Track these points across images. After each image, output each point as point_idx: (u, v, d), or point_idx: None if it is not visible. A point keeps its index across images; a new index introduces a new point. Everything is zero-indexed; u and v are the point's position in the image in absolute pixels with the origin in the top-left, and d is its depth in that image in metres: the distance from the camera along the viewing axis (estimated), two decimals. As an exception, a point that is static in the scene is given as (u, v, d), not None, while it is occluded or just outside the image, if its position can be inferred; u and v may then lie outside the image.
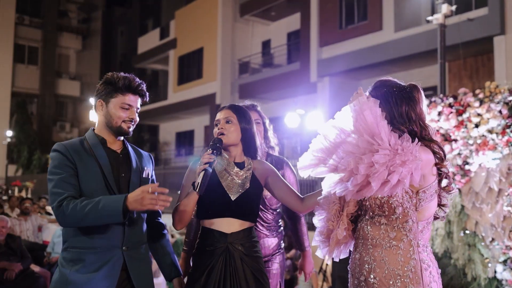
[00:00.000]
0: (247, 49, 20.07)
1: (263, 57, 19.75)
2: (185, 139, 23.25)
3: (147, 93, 2.43)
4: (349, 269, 2.20)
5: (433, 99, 5.56)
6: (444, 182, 2.10)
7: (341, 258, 2.29)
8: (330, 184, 2.05)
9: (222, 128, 2.45)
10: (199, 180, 2.27)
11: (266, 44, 19.88)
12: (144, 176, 2.41)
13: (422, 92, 2.14)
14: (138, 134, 29.32)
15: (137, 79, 2.39)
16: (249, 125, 2.51)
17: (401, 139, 1.93)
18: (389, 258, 2.01)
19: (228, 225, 2.39)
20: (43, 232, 7.85)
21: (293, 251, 6.28)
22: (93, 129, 2.42)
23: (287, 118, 9.94)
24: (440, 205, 2.15)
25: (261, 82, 17.88)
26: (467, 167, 5.25)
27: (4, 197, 12.79)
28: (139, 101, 2.39)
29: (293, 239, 3.14)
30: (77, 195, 2.17)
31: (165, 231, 2.53)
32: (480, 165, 5.16)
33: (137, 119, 2.39)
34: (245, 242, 2.40)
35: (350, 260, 2.20)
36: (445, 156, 2.07)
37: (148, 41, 24.57)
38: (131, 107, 2.35)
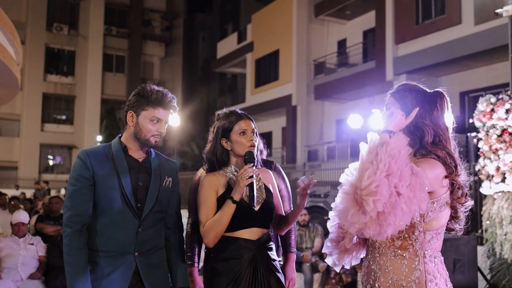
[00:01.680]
0: (322, 49, 19.93)
1: (338, 57, 19.51)
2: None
3: (177, 108, 2.45)
4: (360, 276, 2.16)
5: (500, 96, 5.24)
6: (458, 193, 1.99)
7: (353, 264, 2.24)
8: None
9: (252, 140, 2.47)
10: (251, 193, 2.32)
11: (341, 44, 19.62)
12: (164, 185, 2.45)
13: (446, 100, 2.08)
14: (219, 137, 30.01)
15: (169, 94, 2.41)
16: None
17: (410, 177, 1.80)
18: (394, 267, 1.94)
19: (252, 233, 2.41)
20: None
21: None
22: (120, 136, 2.48)
23: (350, 120, 9.76)
24: (453, 217, 2.03)
25: (336, 82, 17.67)
26: (538, 168, 4.90)
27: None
28: (169, 115, 2.42)
29: (280, 239, 3.00)
30: (85, 218, 2.28)
31: (182, 243, 2.56)
32: (552, 166, 4.79)
33: (165, 132, 2.42)
34: (266, 247, 2.44)
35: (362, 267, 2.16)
36: (456, 167, 1.97)
37: (227, 45, 25.11)
38: (160, 120, 2.37)
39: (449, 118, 2.07)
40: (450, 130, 2.07)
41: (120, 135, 2.49)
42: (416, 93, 2.08)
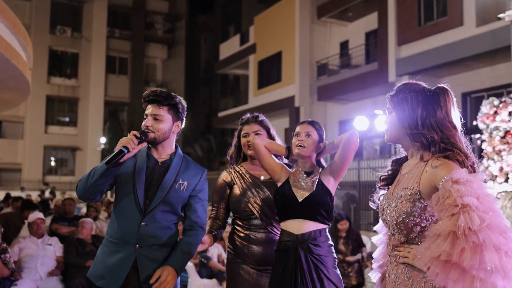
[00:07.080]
0: (325, 50, 20.08)
1: (341, 58, 19.66)
2: (266, 142, 23.60)
3: (164, 97, 2.50)
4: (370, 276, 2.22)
5: (503, 99, 5.40)
6: None
7: None
8: None
9: (301, 140, 2.77)
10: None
11: (344, 45, 19.77)
12: (176, 187, 2.53)
13: (450, 95, 1.98)
14: (222, 138, 30.17)
15: (154, 89, 2.55)
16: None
17: None
18: (413, 275, 1.88)
19: (298, 225, 2.63)
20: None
21: (359, 255, 6.26)
22: None
23: (356, 121, 9.90)
24: None
25: (339, 84, 17.80)
26: (541, 168, 5.06)
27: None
28: (156, 109, 2.50)
29: None
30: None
31: (194, 244, 2.60)
32: (555, 166, 4.95)
33: (155, 127, 2.50)
34: (313, 242, 2.61)
35: None
36: (473, 165, 1.92)
37: (229, 47, 25.24)
38: (147, 116, 2.53)
39: (456, 115, 1.97)
40: (459, 127, 1.97)
41: None
42: (416, 94, 1.98)
